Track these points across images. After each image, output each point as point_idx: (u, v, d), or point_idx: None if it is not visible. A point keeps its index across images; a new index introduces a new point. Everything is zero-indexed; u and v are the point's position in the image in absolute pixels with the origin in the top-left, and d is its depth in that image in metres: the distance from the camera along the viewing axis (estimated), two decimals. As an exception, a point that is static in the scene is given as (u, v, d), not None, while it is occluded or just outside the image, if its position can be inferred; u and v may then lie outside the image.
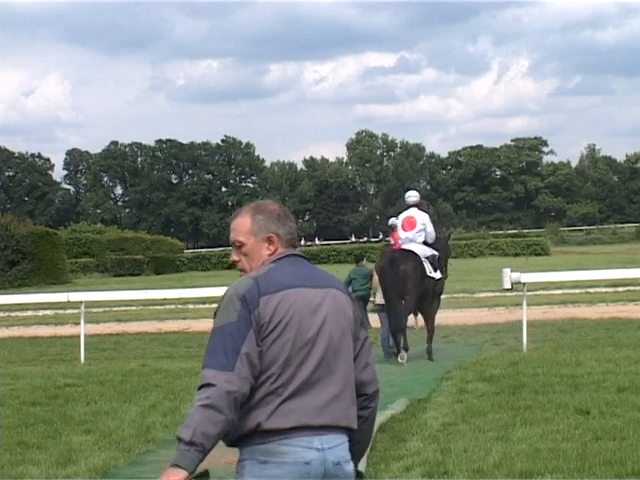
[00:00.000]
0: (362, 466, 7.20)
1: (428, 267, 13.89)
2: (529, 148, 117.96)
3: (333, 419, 3.52)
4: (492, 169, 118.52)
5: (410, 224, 14.29)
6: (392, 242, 17.93)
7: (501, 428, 8.42)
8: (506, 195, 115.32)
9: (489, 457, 7.38)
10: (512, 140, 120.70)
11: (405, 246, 14.20)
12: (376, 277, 14.86)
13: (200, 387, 3.44)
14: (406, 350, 13.71)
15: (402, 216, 14.59)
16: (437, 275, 14.11)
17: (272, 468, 3.45)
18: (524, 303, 14.42)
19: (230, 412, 3.38)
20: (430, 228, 14.38)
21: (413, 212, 14.45)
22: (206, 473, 3.42)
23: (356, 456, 3.72)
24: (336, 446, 3.53)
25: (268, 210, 3.73)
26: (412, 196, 14.85)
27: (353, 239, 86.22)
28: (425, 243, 14.27)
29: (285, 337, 3.50)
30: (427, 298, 14.07)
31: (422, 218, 14.36)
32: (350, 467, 3.60)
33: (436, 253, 14.24)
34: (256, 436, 3.46)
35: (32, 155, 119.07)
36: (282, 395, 3.46)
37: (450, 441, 8.03)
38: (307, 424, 3.46)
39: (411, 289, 13.59)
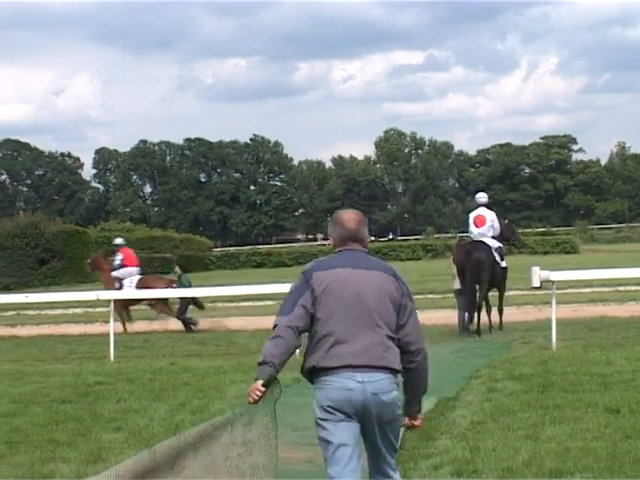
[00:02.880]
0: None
1: (497, 256, 16.33)
2: (558, 146, 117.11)
3: (370, 360, 4.88)
4: (521, 167, 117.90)
5: (481, 221, 16.62)
6: (122, 258, 21.34)
7: (530, 427, 8.38)
8: (535, 193, 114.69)
9: (518, 456, 7.35)
10: (541, 138, 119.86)
11: (476, 239, 16.50)
12: (453, 266, 16.98)
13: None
14: (478, 333, 16.00)
15: (473, 214, 16.92)
16: (503, 264, 16.61)
17: (326, 391, 4.91)
18: (553, 301, 14.33)
19: (288, 336, 4.92)
20: (497, 224, 16.73)
21: (483, 211, 16.78)
22: (274, 379, 4.89)
23: (415, 396, 5.20)
24: (376, 381, 4.87)
25: (333, 218, 5.29)
26: (482, 197, 17.12)
27: (372, 238, 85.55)
28: (492, 237, 16.57)
29: (327, 301, 4.96)
30: (496, 282, 16.56)
31: (491, 216, 16.72)
32: (388, 397, 4.91)
33: (501, 245, 16.72)
34: (316, 373, 4.95)
35: (62, 154, 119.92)
36: (328, 343, 4.91)
37: (479, 440, 8.01)
38: (349, 364, 4.86)
39: (485, 273, 16.03)
